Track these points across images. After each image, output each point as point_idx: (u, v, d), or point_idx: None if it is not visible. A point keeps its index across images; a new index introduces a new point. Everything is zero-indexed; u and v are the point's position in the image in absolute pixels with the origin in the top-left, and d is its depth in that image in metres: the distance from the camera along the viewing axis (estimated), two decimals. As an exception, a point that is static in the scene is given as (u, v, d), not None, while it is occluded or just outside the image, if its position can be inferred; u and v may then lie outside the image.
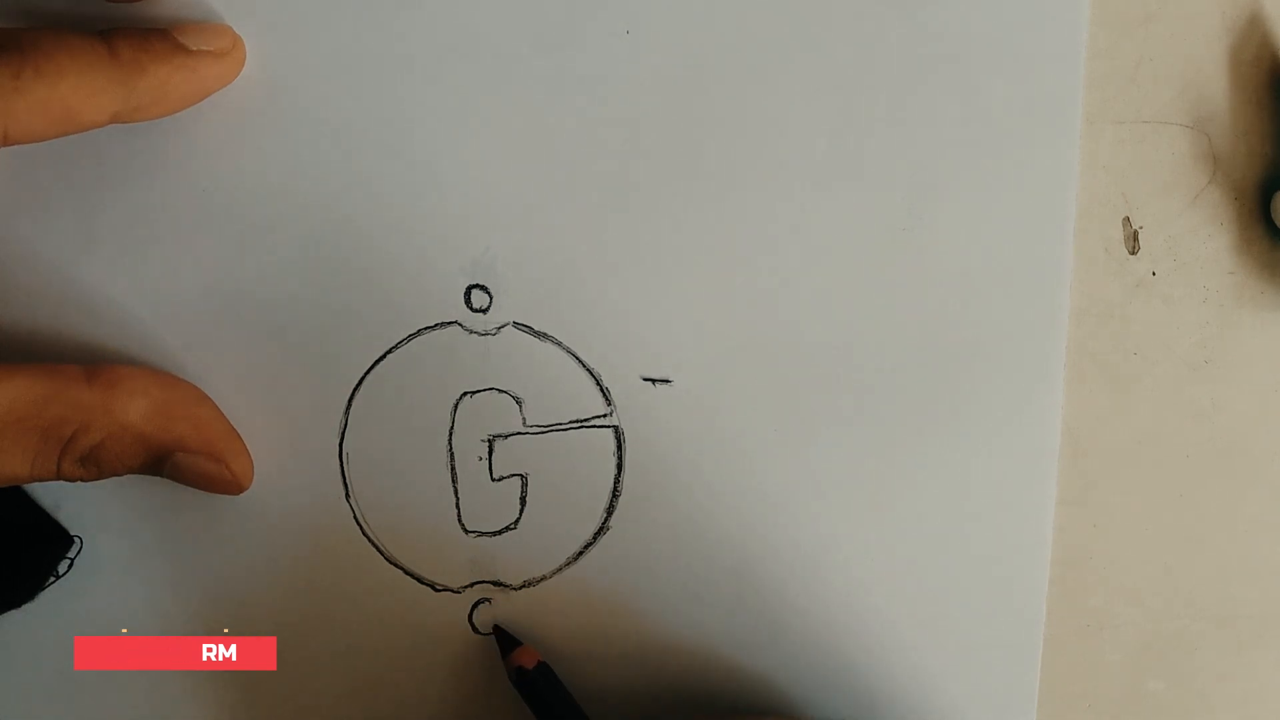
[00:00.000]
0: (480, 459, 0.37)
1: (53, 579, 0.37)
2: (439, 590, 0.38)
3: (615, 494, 0.37)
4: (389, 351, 0.36)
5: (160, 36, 0.32)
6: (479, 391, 0.37)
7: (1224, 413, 0.39)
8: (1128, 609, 0.40)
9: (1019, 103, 0.36)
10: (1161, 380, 0.39)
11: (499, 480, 0.37)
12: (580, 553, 0.38)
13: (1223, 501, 0.40)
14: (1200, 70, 0.38)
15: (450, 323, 0.36)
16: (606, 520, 0.37)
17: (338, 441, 0.37)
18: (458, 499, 0.37)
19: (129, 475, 0.35)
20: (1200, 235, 0.39)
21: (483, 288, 0.36)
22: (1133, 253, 0.38)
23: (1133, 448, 0.39)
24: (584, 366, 0.37)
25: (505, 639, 0.37)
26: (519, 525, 0.37)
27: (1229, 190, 0.38)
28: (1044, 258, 0.37)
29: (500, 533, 0.37)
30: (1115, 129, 0.38)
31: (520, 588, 0.38)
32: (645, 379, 0.37)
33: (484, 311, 0.36)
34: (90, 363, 0.34)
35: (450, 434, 0.37)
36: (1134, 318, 0.39)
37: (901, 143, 0.36)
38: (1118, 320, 0.39)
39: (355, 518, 0.37)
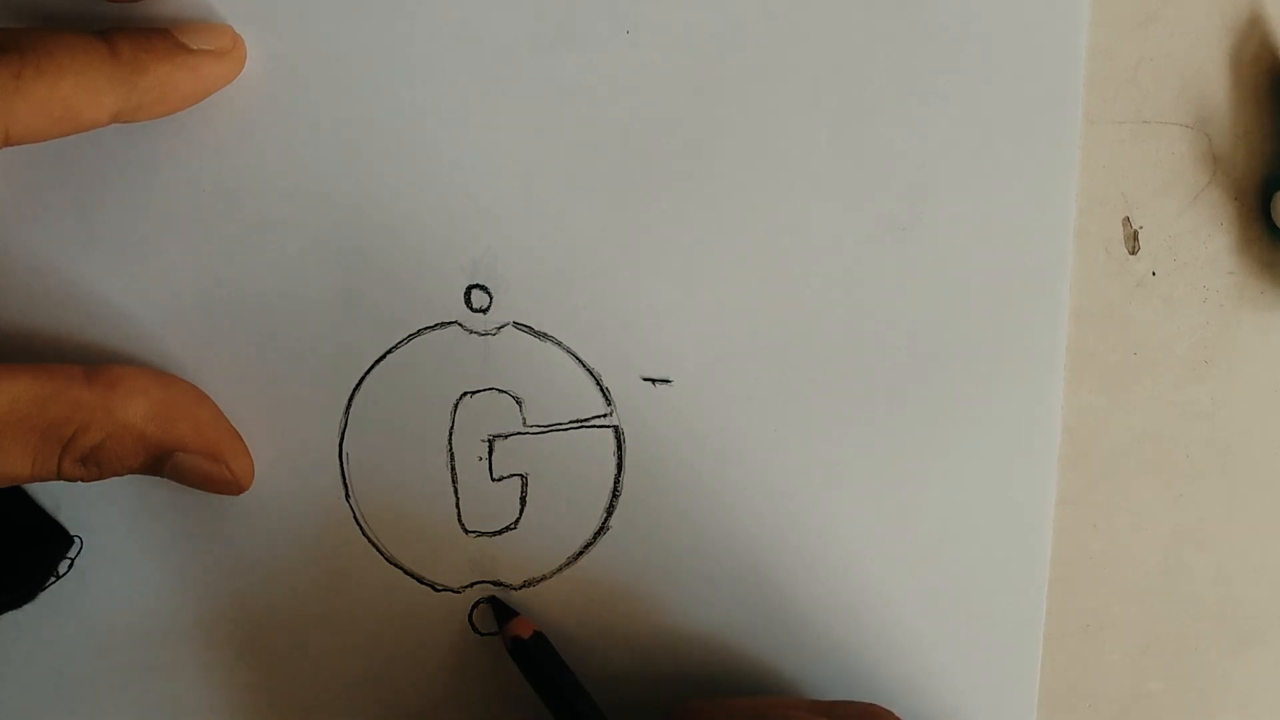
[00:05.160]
0: (480, 459, 0.37)
1: (53, 579, 0.37)
2: (439, 590, 0.38)
3: (615, 494, 0.37)
4: (389, 351, 0.36)
5: (161, 36, 0.32)
6: (479, 391, 0.37)
7: (1224, 413, 0.39)
8: (1128, 609, 0.40)
9: (1019, 103, 0.36)
10: (1161, 380, 0.39)
11: (499, 480, 0.37)
12: (580, 553, 0.38)
13: (1223, 501, 0.40)
14: (1200, 70, 0.38)
15: (450, 323, 0.36)
16: (606, 520, 0.37)
17: (338, 441, 0.37)
18: (458, 499, 0.37)
19: (129, 475, 0.35)
20: (1200, 235, 0.39)
21: (483, 288, 0.36)
22: (1133, 253, 0.38)
23: (1133, 448, 0.39)
24: (584, 366, 0.37)
25: (502, 610, 0.37)
26: (519, 525, 0.37)
27: (1229, 190, 0.38)
28: (1044, 258, 0.37)
29: (500, 533, 0.37)
30: (1115, 129, 0.38)
31: (520, 588, 0.38)
32: (645, 379, 0.37)
33: (484, 311, 0.36)
34: (90, 363, 0.34)
35: (450, 434, 0.37)
36: (1134, 318, 0.39)
37: (901, 142, 0.36)
38: (1118, 320, 0.39)
39: (355, 518, 0.37)
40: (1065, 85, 0.36)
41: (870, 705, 0.35)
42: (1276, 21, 0.38)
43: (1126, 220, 0.38)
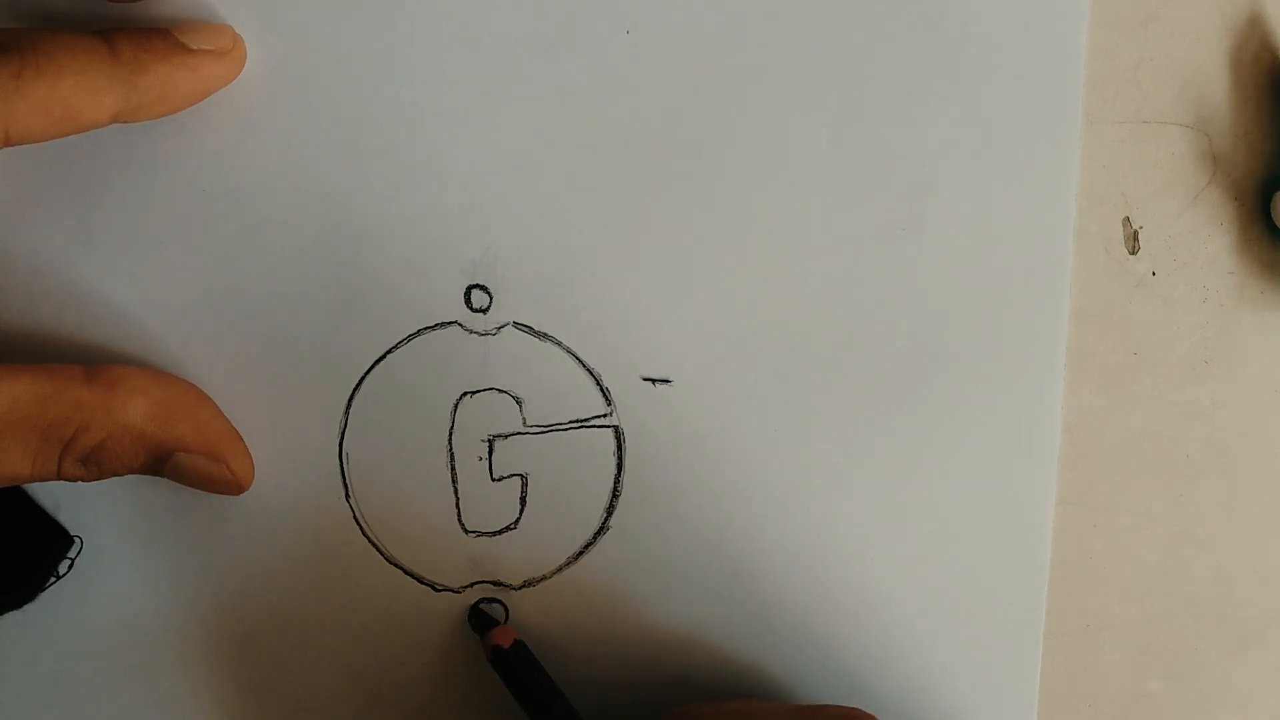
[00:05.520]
0: (480, 459, 0.37)
1: (53, 579, 0.37)
2: (439, 590, 0.38)
3: (615, 494, 0.37)
4: (389, 351, 0.36)
5: (161, 36, 0.32)
6: (479, 391, 0.37)
7: (1224, 413, 0.39)
8: (1128, 609, 0.40)
9: (1019, 102, 0.36)
10: (1161, 380, 0.39)
11: (499, 480, 0.37)
12: (580, 552, 0.38)
13: (1223, 501, 0.40)
14: (1200, 70, 0.38)
15: (450, 323, 0.36)
16: (606, 520, 0.37)
17: (338, 441, 0.37)
18: (458, 499, 0.37)
19: (129, 475, 0.35)
20: (1200, 235, 0.39)
21: (483, 288, 0.36)
22: (1133, 253, 0.38)
23: (1133, 448, 0.39)
24: (584, 366, 0.37)
25: (483, 619, 0.37)
26: (519, 525, 0.37)
27: (1229, 190, 0.38)
28: (1044, 258, 0.37)
29: (500, 533, 0.37)
30: (1115, 129, 0.38)
31: (520, 587, 0.38)
32: (645, 379, 0.37)
33: (484, 311, 0.36)
34: (90, 363, 0.34)
35: (450, 434, 0.37)
36: (1134, 318, 0.39)
37: (902, 142, 0.36)
38: (1118, 320, 0.39)
39: (355, 518, 0.37)
40: (1065, 85, 0.36)
41: (853, 710, 0.35)
42: (1276, 21, 0.38)
43: (1126, 220, 0.38)
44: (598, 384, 0.37)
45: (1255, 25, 0.38)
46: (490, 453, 0.37)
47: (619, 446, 0.37)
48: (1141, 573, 0.40)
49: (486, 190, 0.36)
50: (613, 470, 0.37)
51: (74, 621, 0.37)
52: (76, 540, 0.37)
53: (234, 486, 0.35)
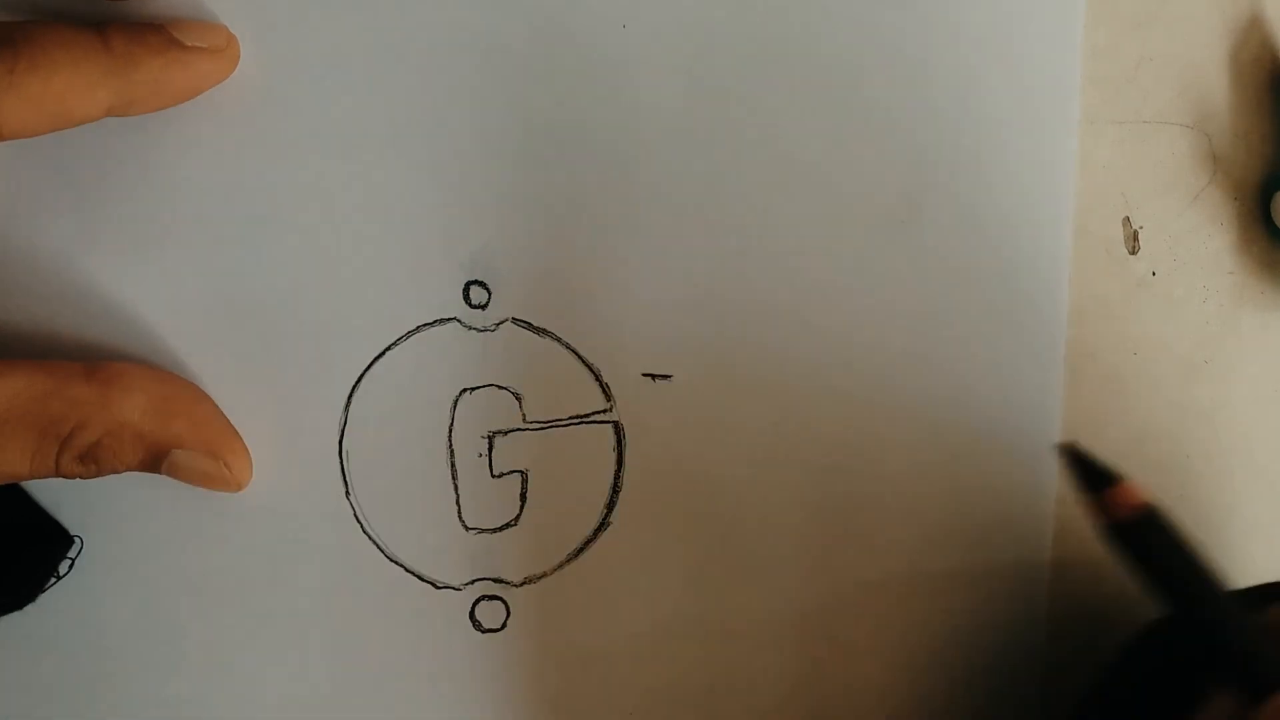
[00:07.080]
0: (480, 456, 0.37)
1: (53, 579, 0.37)
2: (440, 588, 0.38)
3: (616, 490, 0.37)
4: (388, 348, 0.36)
5: (155, 31, 0.32)
6: (478, 388, 0.37)
7: (1224, 413, 0.39)
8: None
9: (1017, 102, 0.36)
10: (1161, 380, 0.39)
11: (499, 477, 0.37)
12: (581, 549, 0.38)
13: (1223, 501, 0.40)
14: (1200, 70, 0.38)
15: (449, 319, 0.36)
16: (607, 516, 0.37)
17: (337, 440, 0.37)
18: (458, 496, 0.37)
19: (128, 473, 0.35)
20: (1200, 235, 0.39)
21: (481, 284, 0.36)
22: (1133, 253, 0.39)
23: (1133, 448, 0.39)
24: (583, 362, 0.37)
25: (1087, 470, 0.29)
26: (519, 522, 0.37)
27: (1229, 190, 0.39)
28: (1043, 257, 0.37)
29: (501, 529, 0.37)
30: (1115, 129, 0.38)
31: (521, 584, 0.38)
32: (645, 375, 0.37)
33: (483, 308, 0.36)
34: (89, 360, 0.34)
35: (450, 431, 0.37)
36: (1134, 318, 0.39)
37: (901, 142, 0.36)
38: (1118, 320, 0.39)
39: (355, 516, 0.37)
40: (1062, 85, 0.37)
41: None
42: (1276, 22, 0.38)
43: (1126, 220, 0.38)
44: (597, 380, 0.37)
45: (1255, 25, 0.38)
46: (490, 449, 0.37)
47: (619, 442, 0.37)
48: (1142, 572, 0.40)
49: (484, 186, 0.36)
50: (613, 466, 0.37)
51: (74, 621, 0.37)
52: (76, 540, 0.37)
53: (232, 484, 0.35)
